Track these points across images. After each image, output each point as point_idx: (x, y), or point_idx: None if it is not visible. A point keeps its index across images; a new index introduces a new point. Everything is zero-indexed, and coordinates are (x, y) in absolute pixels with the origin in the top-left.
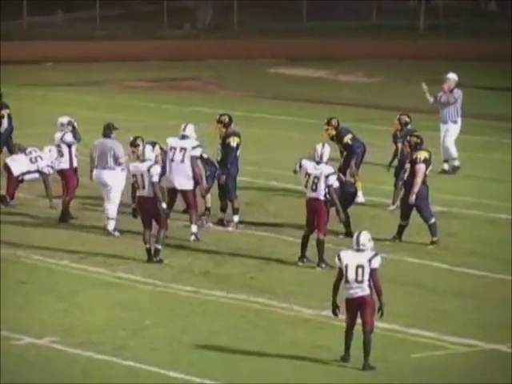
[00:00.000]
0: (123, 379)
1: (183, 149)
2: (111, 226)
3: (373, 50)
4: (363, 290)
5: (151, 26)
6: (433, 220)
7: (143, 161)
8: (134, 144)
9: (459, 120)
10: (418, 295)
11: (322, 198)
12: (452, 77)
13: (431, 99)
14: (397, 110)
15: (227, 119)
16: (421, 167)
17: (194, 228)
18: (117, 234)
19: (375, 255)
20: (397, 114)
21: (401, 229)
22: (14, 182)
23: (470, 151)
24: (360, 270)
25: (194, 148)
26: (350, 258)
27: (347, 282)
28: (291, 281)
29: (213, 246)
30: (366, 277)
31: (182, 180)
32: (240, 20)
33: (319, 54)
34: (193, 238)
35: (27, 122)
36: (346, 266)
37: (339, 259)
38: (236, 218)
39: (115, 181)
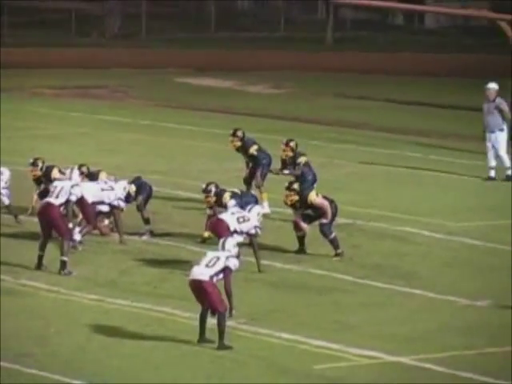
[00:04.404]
0: None
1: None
2: None
3: (281, 61)
4: (203, 275)
5: (59, 34)
6: (332, 235)
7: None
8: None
9: (505, 127)
10: (321, 307)
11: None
12: (492, 86)
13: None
14: (304, 122)
15: None
16: (320, 202)
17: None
18: None
19: (235, 257)
20: (283, 139)
21: (300, 240)
22: None
23: (376, 164)
24: (215, 260)
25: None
26: (211, 252)
27: (198, 263)
28: None
29: (118, 254)
30: (216, 268)
31: None
32: (148, 29)
33: (227, 65)
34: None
35: None
36: (205, 253)
37: None
38: (148, 227)
39: None
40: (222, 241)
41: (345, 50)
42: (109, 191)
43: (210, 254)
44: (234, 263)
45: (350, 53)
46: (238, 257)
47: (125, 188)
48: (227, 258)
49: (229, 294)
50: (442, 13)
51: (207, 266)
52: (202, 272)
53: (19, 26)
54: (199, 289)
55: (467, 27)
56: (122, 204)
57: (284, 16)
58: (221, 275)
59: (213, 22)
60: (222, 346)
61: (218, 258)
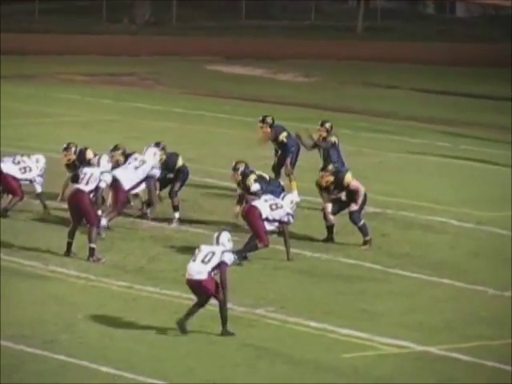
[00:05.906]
0: (54, 373)
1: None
2: None
3: (310, 49)
4: (201, 274)
5: (90, 21)
6: (362, 222)
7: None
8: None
9: None
10: (349, 295)
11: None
12: None
13: None
14: (333, 111)
15: None
16: (356, 185)
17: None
18: None
19: (230, 251)
20: (319, 121)
21: (329, 229)
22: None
23: (405, 153)
24: (210, 255)
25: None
26: (206, 246)
27: (194, 259)
28: None
29: (147, 241)
30: (212, 264)
31: None
32: (179, 16)
33: (257, 53)
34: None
35: None
36: (199, 247)
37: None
38: (177, 215)
39: None
40: (216, 235)
41: (375, 39)
42: (143, 165)
43: (205, 249)
44: (229, 258)
45: (380, 42)
46: (233, 252)
47: (155, 154)
48: (222, 252)
49: (224, 288)
50: (471, 2)
51: (203, 261)
52: (199, 270)
53: (50, 13)
54: (199, 288)
55: (497, 17)
56: (157, 172)
57: (314, 5)
58: (217, 270)
59: (244, 10)
60: (225, 332)
61: (214, 253)
